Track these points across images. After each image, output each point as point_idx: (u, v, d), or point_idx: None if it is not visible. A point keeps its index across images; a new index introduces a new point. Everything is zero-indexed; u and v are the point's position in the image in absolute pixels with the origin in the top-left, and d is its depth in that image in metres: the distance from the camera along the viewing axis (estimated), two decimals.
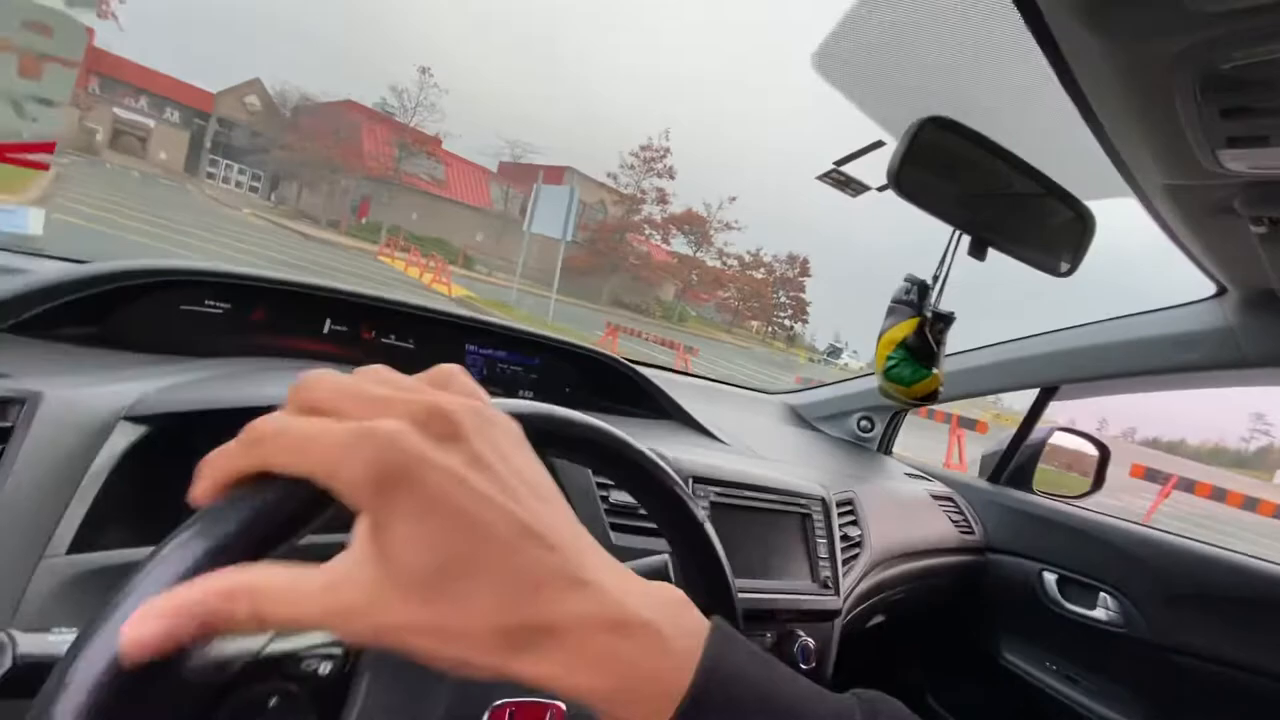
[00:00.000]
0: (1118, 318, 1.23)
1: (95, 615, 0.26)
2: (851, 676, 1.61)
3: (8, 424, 0.46)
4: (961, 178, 0.64)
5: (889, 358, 0.72)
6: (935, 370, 0.73)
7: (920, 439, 1.71)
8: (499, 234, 28.33)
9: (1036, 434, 1.44)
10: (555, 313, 14.07)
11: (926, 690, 1.47)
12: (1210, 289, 1.07)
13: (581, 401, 1.07)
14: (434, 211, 26.34)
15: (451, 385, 0.26)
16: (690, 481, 0.80)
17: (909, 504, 1.26)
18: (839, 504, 1.00)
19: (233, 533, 0.25)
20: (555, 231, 13.71)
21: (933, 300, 0.73)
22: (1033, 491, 1.45)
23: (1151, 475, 7.76)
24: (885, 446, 1.59)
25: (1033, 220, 0.70)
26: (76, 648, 0.24)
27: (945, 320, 0.77)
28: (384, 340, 0.93)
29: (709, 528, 0.49)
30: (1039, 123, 0.59)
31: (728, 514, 0.82)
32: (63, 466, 0.48)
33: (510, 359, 1.05)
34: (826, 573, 0.87)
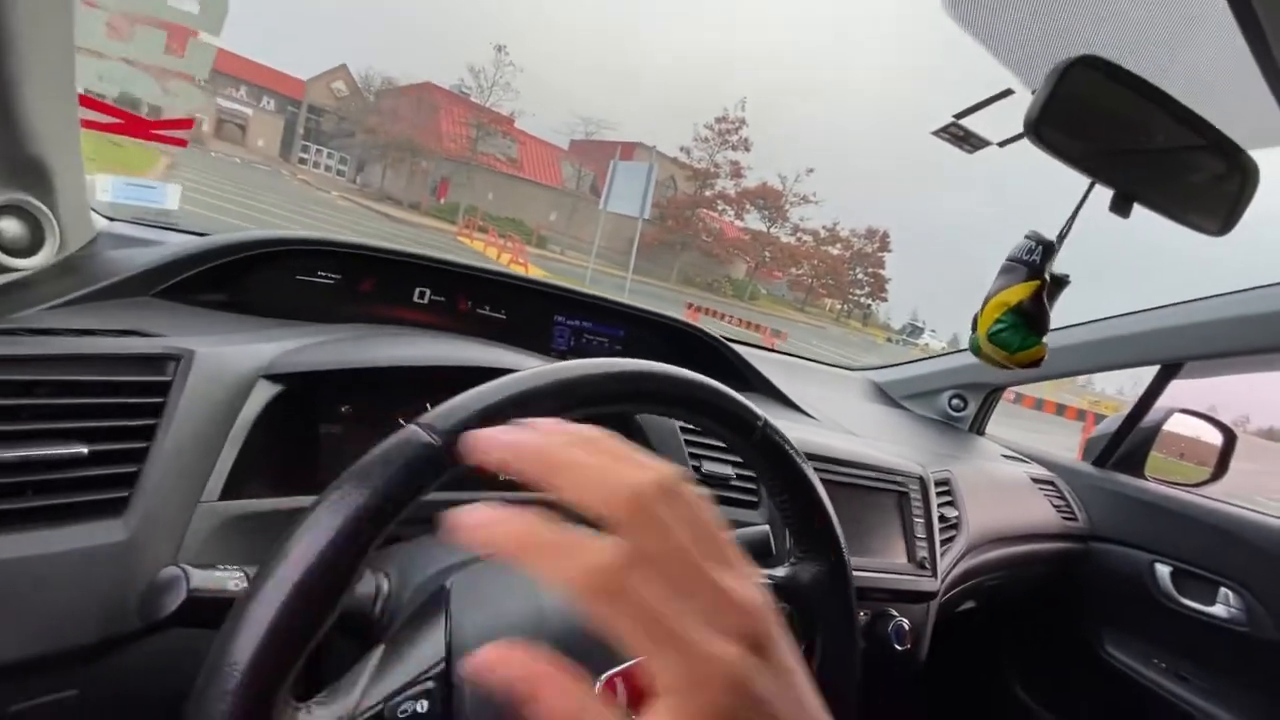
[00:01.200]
0: (1257, 287, 1.11)
1: (271, 557, 0.29)
2: (938, 661, 1.57)
3: (167, 378, 0.51)
4: (1109, 125, 0.59)
5: (998, 320, 0.68)
6: (1044, 340, 0.68)
7: (1008, 428, 1.61)
8: (571, 213, 28.66)
9: (1153, 415, 1.33)
10: (630, 293, 14.09)
11: (1015, 682, 1.40)
12: None
13: None
14: (509, 191, 26.93)
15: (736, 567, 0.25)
16: None
17: (1007, 487, 1.20)
18: (936, 484, 0.97)
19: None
20: (631, 209, 13.63)
21: (1055, 251, 0.67)
22: (1144, 477, 1.34)
23: None
24: (979, 426, 1.51)
25: (1185, 173, 0.64)
26: (255, 586, 0.28)
27: (1060, 284, 0.71)
28: (479, 311, 0.97)
29: (820, 490, 0.48)
30: (1200, 62, 0.53)
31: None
32: (215, 418, 0.52)
33: (597, 329, 1.07)
34: (923, 553, 0.84)
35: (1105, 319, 1.29)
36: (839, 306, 36.58)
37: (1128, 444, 1.34)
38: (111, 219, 0.80)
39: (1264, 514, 1.20)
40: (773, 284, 35.99)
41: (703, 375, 0.44)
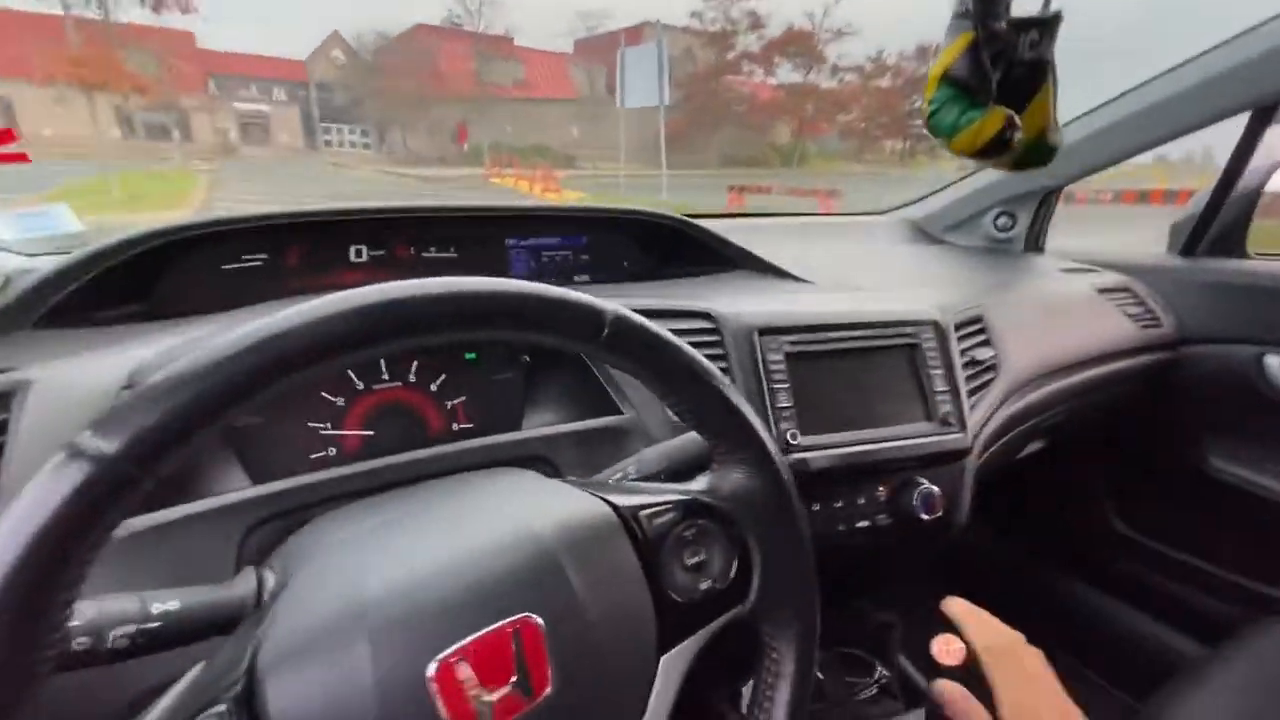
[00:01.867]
0: None
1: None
2: (1013, 512, 1.47)
3: (4, 416, 0.47)
4: None
5: (931, 99, 0.52)
6: (991, 110, 0.51)
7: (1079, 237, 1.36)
8: (592, 121, 27.33)
9: (1250, 178, 1.08)
10: (669, 189, 13.52)
11: (1113, 514, 1.28)
12: None
13: (644, 273, 0.98)
14: (525, 116, 25.99)
15: None
16: (755, 335, 0.69)
17: (1064, 307, 1.03)
18: (963, 324, 0.84)
19: None
20: (650, 98, 12.80)
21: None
22: (1246, 255, 1.12)
23: None
24: (1036, 243, 1.31)
25: None
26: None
27: (1033, 27, 0.53)
28: (425, 255, 0.90)
29: (716, 376, 0.40)
30: None
31: (810, 363, 0.71)
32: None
33: (561, 244, 0.98)
34: (946, 408, 0.73)
35: (1163, 74, 1.03)
36: (900, 146, 33.44)
37: (1220, 221, 1.10)
38: (33, 255, 0.78)
39: None
40: (822, 139, 33.28)
41: (519, 280, 0.35)
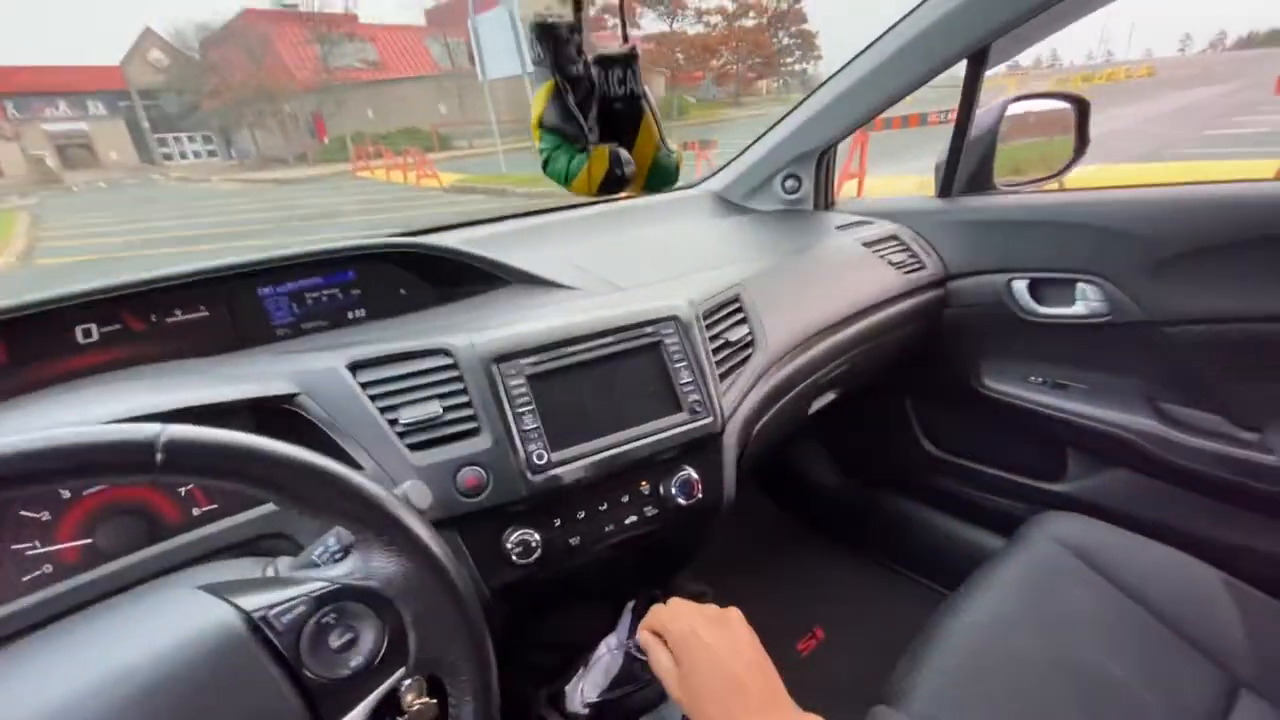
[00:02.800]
0: None
1: None
2: (845, 447, 1.59)
3: None
4: None
5: (540, 148, 0.53)
6: (595, 150, 0.53)
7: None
8: (459, 95, 25.97)
9: (982, 120, 1.18)
10: None
11: (921, 437, 1.41)
12: None
13: (425, 301, 0.95)
14: (384, 99, 24.28)
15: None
16: (492, 364, 0.69)
17: (831, 268, 1.10)
18: (716, 309, 0.87)
19: None
20: (513, 68, 12.21)
21: (572, 40, 0.50)
22: (995, 189, 1.23)
23: None
24: (824, 200, 1.38)
25: None
26: None
27: (615, 65, 0.54)
28: (169, 321, 0.83)
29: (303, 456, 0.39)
30: None
31: (556, 379, 0.72)
32: None
33: (325, 284, 0.93)
34: (694, 396, 0.77)
35: (890, 29, 1.09)
36: (775, 84, 34.09)
37: (965, 161, 1.20)
38: None
39: (1111, 187, 1.10)
40: (699, 89, 33.35)
41: (61, 429, 0.32)
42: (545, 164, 0.57)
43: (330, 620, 0.42)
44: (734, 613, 0.56)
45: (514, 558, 0.68)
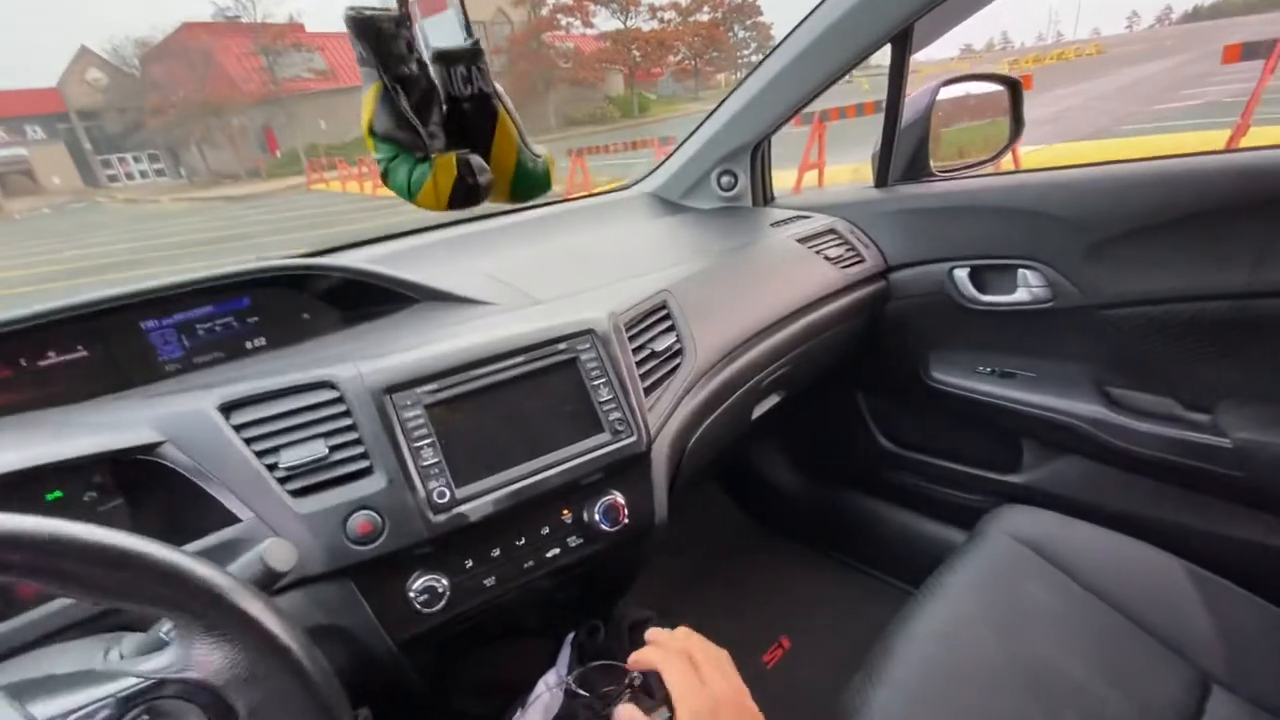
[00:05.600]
0: None
1: None
2: (801, 446, 1.55)
3: None
4: None
5: (378, 159, 0.48)
6: (438, 159, 0.47)
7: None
8: None
9: (914, 104, 1.15)
10: None
11: (878, 434, 1.38)
12: None
13: (323, 326, 0.88)
14: (338, 109, 23.68)
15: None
16: (384, 395, 0.63)
17: (766, 267, 1.06)
18: (641, 317, 0.82)
19: None
20: None
21: (422, 39, 0.45)
22: (933, 175, 1.20)
23: (1252, 52, 5.16)
24: (762, 196, 1.34)
25: None
26: None
27: (457, 62, 0.49)
28: (40, 364, 0.75)
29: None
30: None
31: (460, 406, 0.66)
32: None
33: (217, 312, 0.85)
34: (616, 414, 0.71)
35: (808, 15, 1.05)
36: (734, 77, 34.25)
37: (898, 149, 1.17)
38: None
39: (1046, 169, 1.07)
40: (658, 85, 33.30)
41: None
42: (384, 176, 0.51)
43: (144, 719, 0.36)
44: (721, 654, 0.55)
45: (419, 607, 0.62)
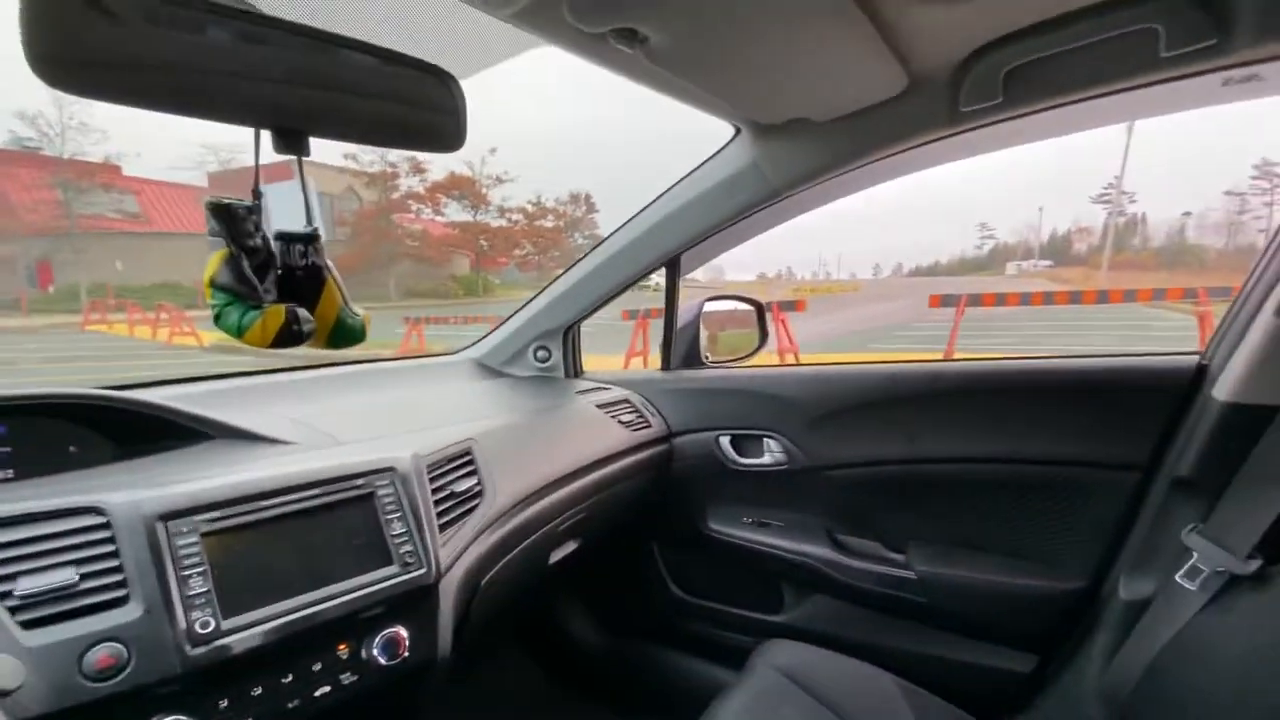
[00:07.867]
0: (678, 181, 1.26)
1: None
2: (601, 594, 1.63)
3: None
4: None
5: (212, 304, 0.61)
6: (270, 307, 0.62)
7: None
8: None
9: (685, 314, 1.48)
10: None
11: (669, 581, 1.51)
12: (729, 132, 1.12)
13: (92, 460, 0.84)
14: (142, 252, 21.66)
15: None
16: (158, 522, 0.63)
17: (567, 426, 1.23)
18: (445, 460, 0.91)
19: None
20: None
21: (262, 222, 0.61)
22: (706, 365, 1.51)
23: (946, 302, 7.46)
24: (573, 369, 1.55)
25: (382, 99, 0.61)
26: None
27: (298, 241, 0.66)
28: None
29: None
30: None
31: (242, 536, 0.67)
32: None
33: None
34: (407, 547, 0.77)
35: (618, 229, 1.37)
36: None
37: (676, 345, 1.49)
38: None
39: (784, 365, 1.43)
40: (501, 270, 35.56)
41: None
42: (216, 318, 0.60)
43: None
44: None
45: None
